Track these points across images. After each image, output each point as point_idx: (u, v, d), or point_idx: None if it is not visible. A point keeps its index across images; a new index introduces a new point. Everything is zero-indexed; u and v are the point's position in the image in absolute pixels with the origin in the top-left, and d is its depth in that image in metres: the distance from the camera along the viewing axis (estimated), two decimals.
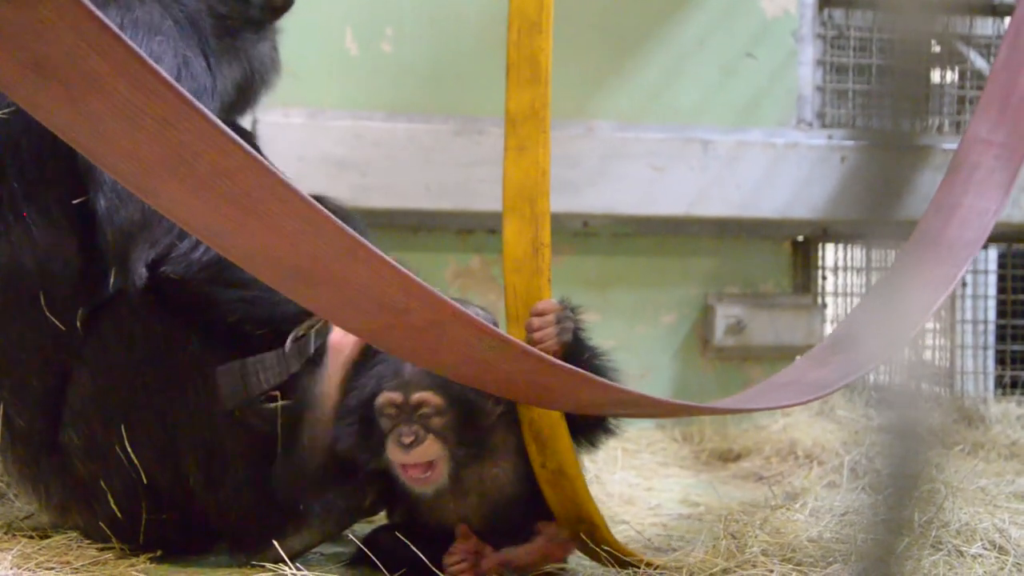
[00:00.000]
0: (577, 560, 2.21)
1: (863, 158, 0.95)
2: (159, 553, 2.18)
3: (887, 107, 0.93)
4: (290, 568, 2.01)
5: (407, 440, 1.97)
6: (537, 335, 1.97)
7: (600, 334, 2.11)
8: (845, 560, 1.91)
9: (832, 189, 4.05)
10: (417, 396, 1.98)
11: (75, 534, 2.23)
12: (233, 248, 1.65)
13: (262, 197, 1.47)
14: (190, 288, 2.01)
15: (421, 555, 2.00)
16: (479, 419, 2.02)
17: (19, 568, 2.02)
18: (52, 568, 2.06)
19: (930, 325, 3.42)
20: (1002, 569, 1.93)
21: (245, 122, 2.70)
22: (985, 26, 4.42)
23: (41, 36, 1.30)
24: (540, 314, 1.99)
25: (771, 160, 4.07)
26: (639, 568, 2.04)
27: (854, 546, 1.91)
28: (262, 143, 2.33)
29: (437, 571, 2.02)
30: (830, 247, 4.42)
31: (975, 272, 4.57)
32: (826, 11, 4.30)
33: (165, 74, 1.36)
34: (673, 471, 3.45)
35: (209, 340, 2.08)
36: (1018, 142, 2.64)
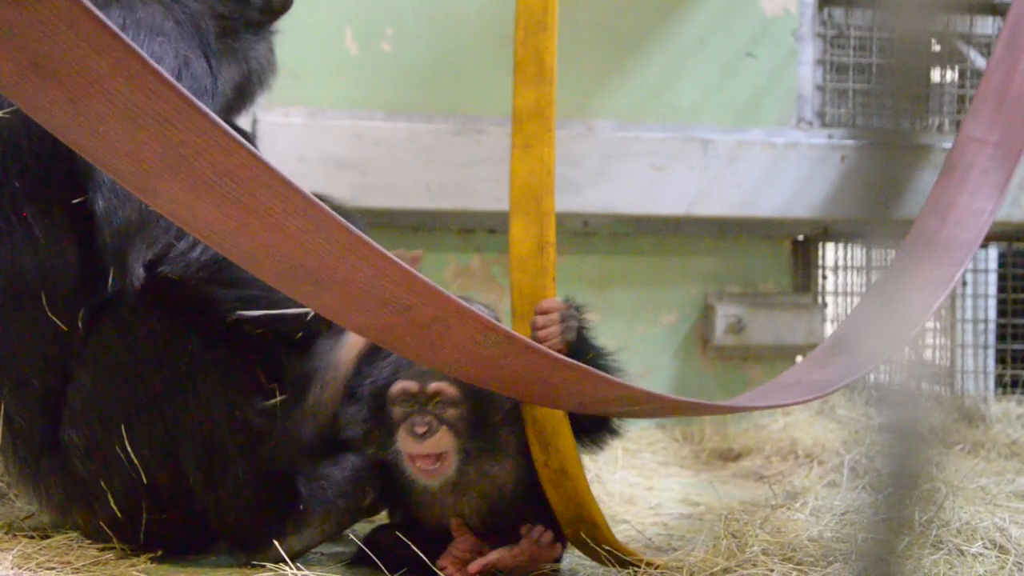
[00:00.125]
0: (578, 560, 2.21)
1: (863, 157, 0.95)
2: (159, 553, 2.18)
3: (887, 106, 0.93)
4: (290, 568, 2.01)
5: (420, 430, 1.97)
6: (541, 333, 1.98)
7: (600, 334, 2.11)
8: (846, 559, 1.90)
9: (832, 188, 4.04)
10: (434, 386, 1.99)
11: (75, 534, 2.23)
12: (235, 248, 1.64)
13: (263, 196, 1.47)
14: (188, 288, 2.01)
15: (421, 554, 2.00)
16: (490, 414, 2.03)
17: (20, 568, 2.02)
18: (53, 568, 2.06)
19: (930, 324, 3.42)
20: (1002, 568, 1.93)
21: (244, 122, 2.70)
22: (985, 25, 4.42)
23: (40, 36, 1.30)
24: (545, 312, 2.00)
25: (771, 159, 4.07)
26: (639, 568, 2.04)
27: (855, 545, 1.91)
28: (262, 143, 2.33)
29: (437, 571, 2.02)
30: (830, 246, 4.42)
31: (975, 271, 4.57)
32: (826, 10, 4.30)
33: (165, 73, 1.36)
34: (674, 470, 3.45)
35: (209, 339, 2.08)
36: (1013, 142, 2.64)
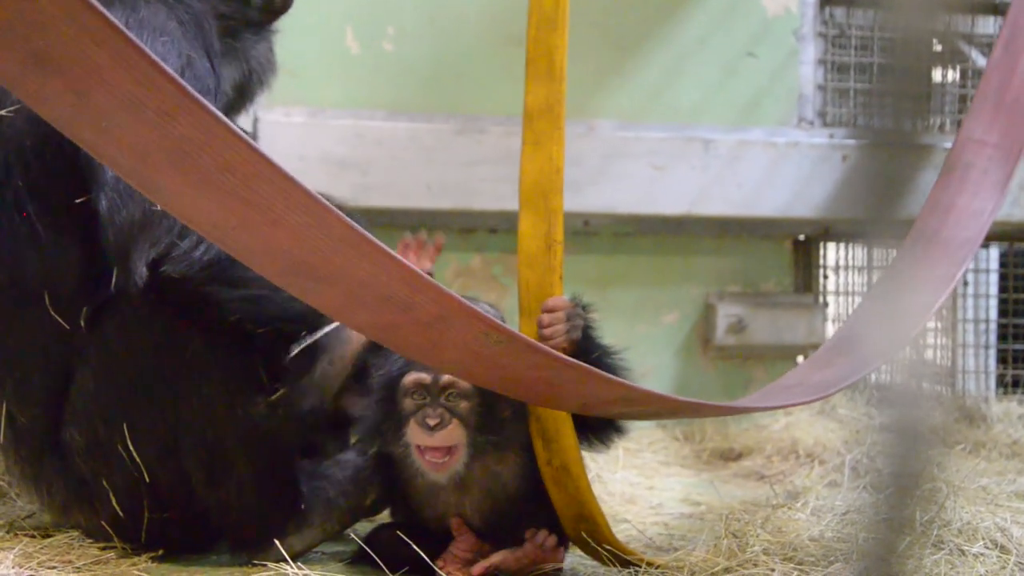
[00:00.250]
0: (579, 559, 2.21)
1: (864, 157, 0.95)
2: (161, 552, 2.18)
3: (888, 106, 0.93)
4: (291, 567, 2.02)
5: (432, 422, 1.97)
6: (547, 331, 1.98)
7: (601, 333, 2.11)
8: (847, 559, 1.90)
9: (833, 188, 4.04)
10: (447, 378, 1.99)
11: (77, 533, 2.24)
12: (236, 243, 1.64)
13: (265, 191, 1.47)
14: (191, 287, 2.01)
15: (422, 554, 2.00)
16: (499, 408, 2.03)
17: (21, 567, 2.02)
18: (54, 567, 2.06)
19: (932, 324, 3.42)
20: (1003, 568, 1.93)
21: (245, 121, 2.70)
22: (987, 24, 4.42)
23: (41, 29, 1.30)
24: (551, 310, 2.00)
25: (772, 159, 4.07)
26: (641, 567, 2.04)
27: (855, 545, 1.91)
28: (263, 142, 2.33)
29: (438, 570, 2.02)
30: (831, 246, 4.42)
31: (976, 271, 4.57)
32: (827, 10, 4.30)
33: (167, 67, 1.36)
34: (674, 470, 3.45)
35: (211, 339, 2.08)
36: (1013, 142, 2.64)
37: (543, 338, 1.97)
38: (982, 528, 2.05)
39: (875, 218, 0.94)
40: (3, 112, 2.11)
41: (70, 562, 2.09)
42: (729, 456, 3.64)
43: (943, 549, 1.97)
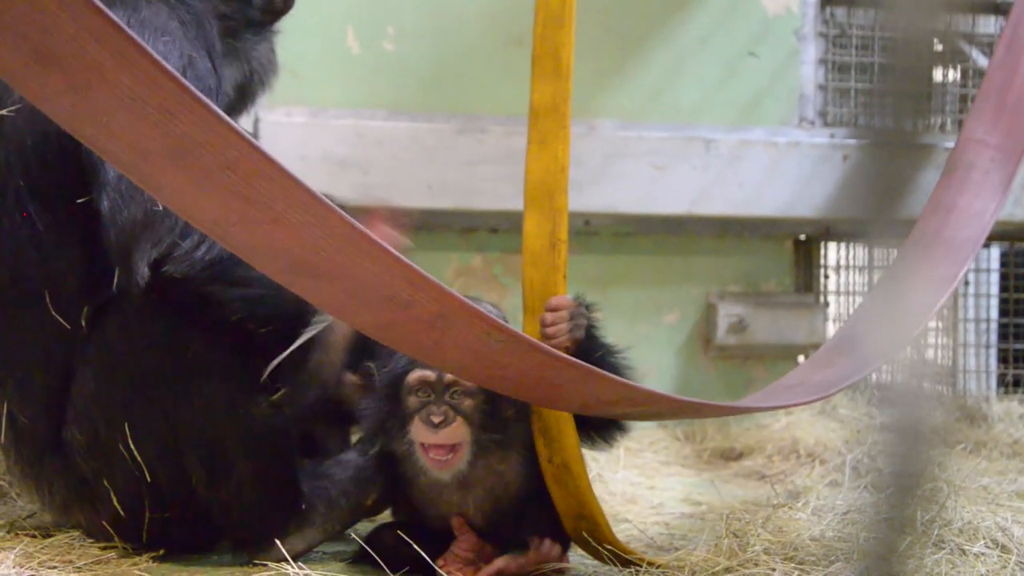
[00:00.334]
0: (580, 559, 2.21)
1: (865, 157, 0.95)
2: (162, 552, 2.18)
3: (889, 105, 0.93)
4: (292, 567, 2.02)
5: (437, 419, 1.97)
6: (550, 330, 1.98)
7: (604, 333, 2.11)
8: (847, 559, 1.90)
9: (834, 188, 4.04)
10: (451, 375, 1.99)
11: (78, 533, 2.24)
12: (236, 241, 1.64)
13: (265, 188, 1.47)
14: (193, 287, 2.01)
15: (423, 553, 2.00)
16: (503, 407, 2.03)
17: (22, 567, 2.02)
18: (55, 567, 2.06)
19: (933, 324, 3.42)
20: (1004, 568, 1.93)
21: (246, 121, 2.70)
22: (987, 24, 4.42)
23: (42, 26, 1.30)
24: (554, 310, 2.00)
25: (773, 159, 4.07)
26: (641, 566, 2.04)
27: (856, 545, 1.91)
28: (264, 142, 2.33)
29: (439, 570, 2.02)
30: (832, 246, 4.42)
31: (977, 271, 4.57)
32: (828, 9, 4.30)
33: (168, 66, 1.36)
34: (675, 470, 3.45)
35: (212, 339, 2.08)
36: (1015, 143, 2.64)
37: (546, 337, 1.97)
38: (983, 528, 2.05)
39: (876, 218, 0.94)
40: (4, 111, 2.11)
41: (71, 562, 2.10)
42: (730, 456, 3.64)
43: (944, 549, 1.97)
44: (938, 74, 4.23)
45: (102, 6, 1.31)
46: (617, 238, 4.15)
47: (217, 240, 1.72)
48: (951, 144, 2.74)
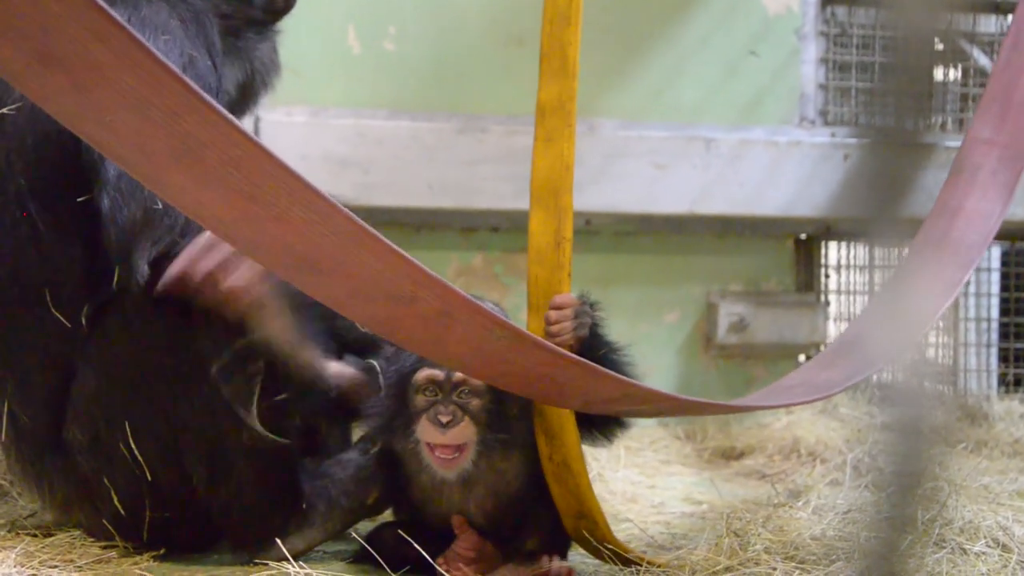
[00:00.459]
0: (580, 558, 2.21)
1: (866, 156, 0.95)
2: (162, 551, 2.18)
3: (890, 105, 0.93)
4: (293, 566, 2.01)
5: (445, 419, 1.97)
6: (554, 328, 1.99)
7: (608, 331, 2.12)
8: (848, 558, 1.90)
9: (835, 187, 4.04)
10: (459, 374, 1.99)
11: (78, 532, 2.23)
12: (241, 238, 1.65)
13: (269, 186, 1.48)
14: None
15: (423, 552, 2.00)
16: (509, 406, 2.03)
17: (22, 566, 2.02)
18: (56, 566, 2.06)
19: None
20: (1005, 567, 1.93)
21: (247, 122, 2.70)
22: (988, 23, 4.41)
23: (46, 26, 1.30)
24: (559, 308, 2.01)
25: (774, 158, 4.07)
26: (642, 566, 2.04)
27: (857, 544, 1.91)
28: (265, 142, 2.32)
29: (440, 569, 2.02)
30: (833, 245, 4.42)
31: (978, 270, 4.56)
32: (829, 8, 4.30)
33: (171, 65, 1.36)
34: (676, 469, 3.45)
35: (213, 337, 2.08)
36: (1021, 143, 2.64)
37: (550, 335, 1.98)
38: (984, 527, 2.05)
39: (877, 217, 0.94)
40: (5, 110, 2.11)
41: (72, 561, 2.10)
42: (731, 455, 3.64)
43: (945, 548, 1.97)
44: (939, 73, 4.23)
45: (105, 5, 1.31)
46: (618, 237, 4.15)
47: (221, 238, 1.72)
48: (952, 143, 2.74)
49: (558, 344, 1.96)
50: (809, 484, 2.79)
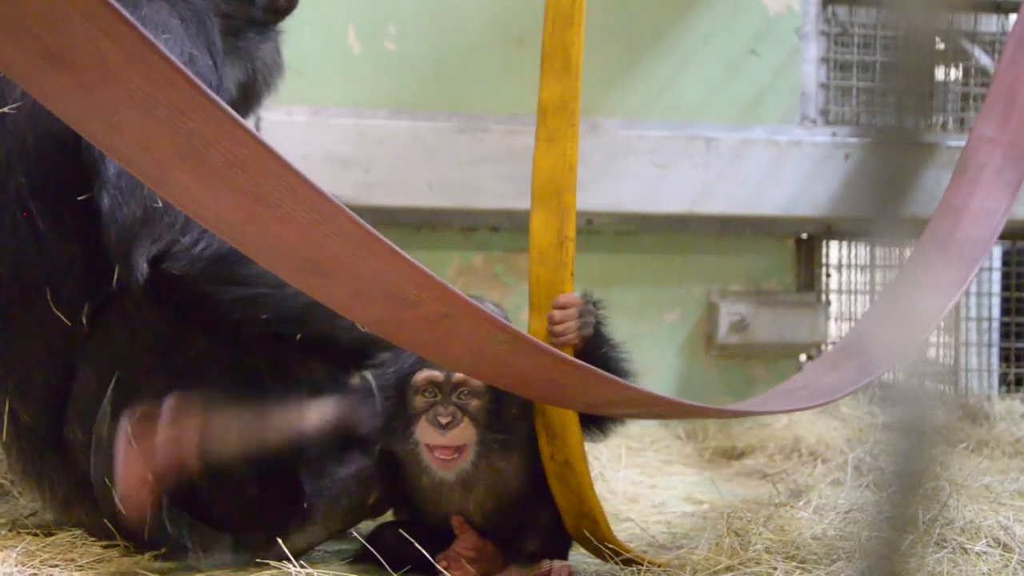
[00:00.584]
0: (581, 558, 2.21)
1: (867, 155, 0.95)
2: (163, 550, 2.18)
3: (891, 104, 0.93)
4: (294, 566, 2.01)
5: (444, 420, 1.97)
6: (558, 328, 1.99)
7: (611, 330, 2.12)
8: (849, 558, 1.90)
9: (836, 186, 4.04)
10: (459, 375, 1.99)
11: (79, 531, 2.23)
12: (244, 239, 1.64)
13: (274, 187, 1.47)
14: (192, 285, 2.01)
15: (424, 552, 2.00)
16: (509, 407, 2.03)
17: (23, 565, 2.02)
18: (56, 565, 2.06)
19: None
20: (1006, 566, 1.93)
21: (249, 122, 2.69)
22: (989, 23, 4.41)
23: (52, 24, 1.30)
24: (563, 307, 2.01)
25: (775, 157, 4.07)
26: (643, 565, 2.03)
27: (858, 543, 1.91)
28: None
29: (440, 569, 2.02)
30: (834, 244, 4.42)
31: (979, 269, 4.55)
32: (830, 8, 4.29)
33: (179, 63, 1.36)
34: (677, 469, 3.44)
35: (213, 336, 2.08)
36: None
37: (554, 334, 1.98)
38: (985, 527, 2.05)
39: (878, 216, 0.94)
40: (5, 109, 2.11)
41: (72, 560, 2.09)
42: (732, 455, 3.64)
43: (946, 548, 1.97)
44: (940, 73, 4.23)
45: (116, 4, 1.30)
46: (619, 237, 4.15)
47: (224, 238, 1.72)
48: (953, 143, 2.74)
49: (562, 343, 1.96)
50: (810, 484, 2.79)
